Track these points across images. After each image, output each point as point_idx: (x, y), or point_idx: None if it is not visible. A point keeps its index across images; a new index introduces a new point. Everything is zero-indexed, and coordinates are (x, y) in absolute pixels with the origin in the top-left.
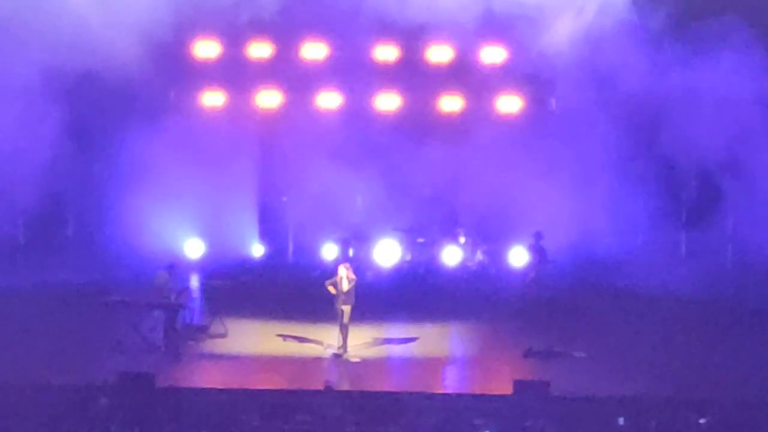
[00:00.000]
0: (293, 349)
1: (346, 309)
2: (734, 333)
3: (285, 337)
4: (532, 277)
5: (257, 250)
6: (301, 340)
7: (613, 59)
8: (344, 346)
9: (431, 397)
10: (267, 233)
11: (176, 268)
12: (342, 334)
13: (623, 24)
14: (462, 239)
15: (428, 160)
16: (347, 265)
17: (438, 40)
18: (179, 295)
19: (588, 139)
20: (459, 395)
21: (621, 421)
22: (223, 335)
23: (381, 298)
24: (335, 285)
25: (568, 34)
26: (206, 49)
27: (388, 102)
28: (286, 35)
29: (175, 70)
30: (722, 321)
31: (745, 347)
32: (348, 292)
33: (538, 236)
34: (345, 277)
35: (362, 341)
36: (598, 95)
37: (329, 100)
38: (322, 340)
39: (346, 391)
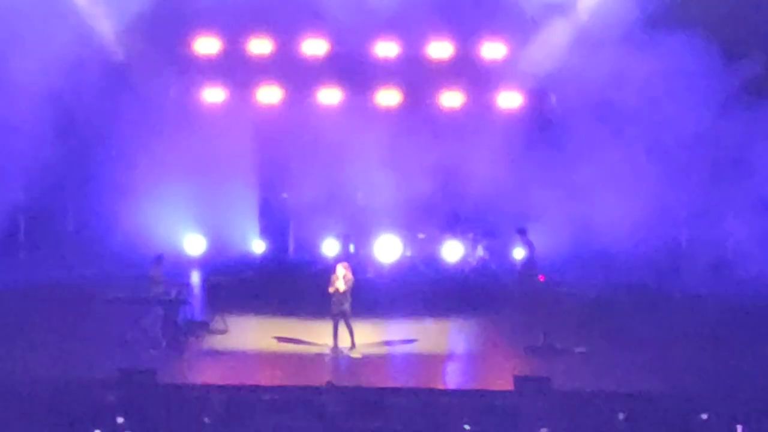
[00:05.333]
0: (294, 345)
1: (345, 309)
2: (737, 330)
3: (281, 339)
4: (518, 270)
5: (258, 246)
6: (299, 342)
7: (614, 56)
8: (351, 343)
9: (432, 393)
10: (267, 229)
11: (164, 259)
12: (348, 331)
13: (625, 20)
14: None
15: (429, 156)
16: (345, 264)
17: (438, 36)
18: (180, 291)
19: (589, 135)
20: (460, 391)
21: (621, 417)
22: (223, 331)
23: (381, 294)
24: (332, 285)
25: (569, 30)
26: (206, 45)
27: (388, 98)
28: (286, 31)
29: (175, 67)
30: (726, 317)
31: (748, 344)
32: (345, 292)
33: (523, 232)
34: (342, 277)
35: (363, 338)
36: (599, 91)
37: (330, 96)
38: (319, 341)
39: (347, 387)
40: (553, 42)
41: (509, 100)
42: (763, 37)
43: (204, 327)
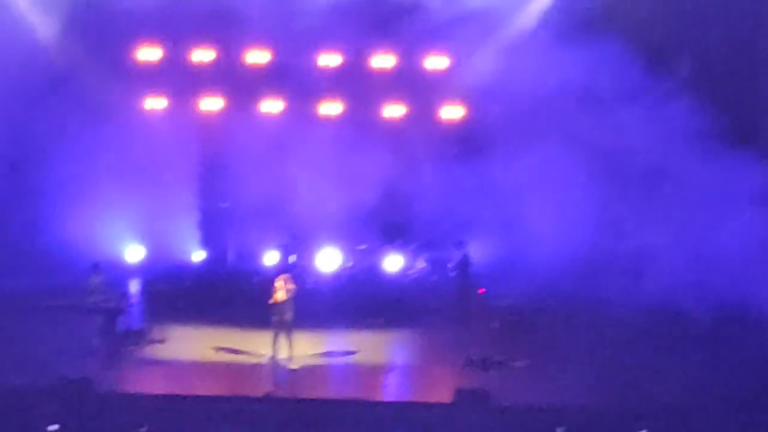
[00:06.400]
0: (233, 355)
1: (287, 319)
2: (676, 343)
3: (220, 349)
4: (457, 282)
5: (197, 255)
6: (238, 352)
7: (556, 66)
8: (290, 353)
9: (371, 405)
10: (207, 238)
11: (101, 267)
12: (288, 341)
13: (566, 30)
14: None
15: (370, 167)
16: (286, 276)
17: (381, 48)
18: (119, 300)
19: (531, 146)
20: (399, 403)
21: (560, 431)
22: (162, 341)
23: (321, 305)
24: (273, 295)
25: (510, 41)
26: (149, 53)
27: (330, 108)
28: (229, 40)
29: (117, 75)
30: (664, 331)
31: (687, 357)
32: (285, 302)
33: (460, 244)
34: (281, 288)
35: (302, 348)
36: (542, 103)
37: (272, 106)
38: (257, 351)
39: (285, 399)
40: (493, 54)
41: (451, 111)
42: (688, 44)
43: (142, 336)
